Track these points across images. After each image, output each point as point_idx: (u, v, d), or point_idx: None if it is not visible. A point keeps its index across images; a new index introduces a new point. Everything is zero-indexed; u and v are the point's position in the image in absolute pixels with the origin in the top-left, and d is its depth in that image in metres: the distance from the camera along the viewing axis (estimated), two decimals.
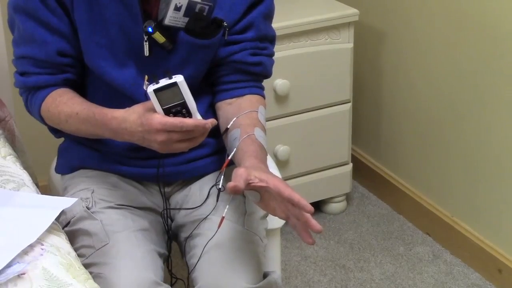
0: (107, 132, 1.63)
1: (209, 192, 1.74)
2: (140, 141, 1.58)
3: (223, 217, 1.56)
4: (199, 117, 1.54)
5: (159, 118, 1.51)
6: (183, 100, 1.51)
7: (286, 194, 1.45)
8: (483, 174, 2.50)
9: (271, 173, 1.51)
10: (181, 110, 1.52)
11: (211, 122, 1.54)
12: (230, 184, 1.43)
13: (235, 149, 1.62)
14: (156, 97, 1.50)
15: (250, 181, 1.46)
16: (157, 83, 1.50)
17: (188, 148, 1.57)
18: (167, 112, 1.52)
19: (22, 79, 1.72)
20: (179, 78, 1.50)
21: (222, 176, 1.63)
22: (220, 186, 1.64)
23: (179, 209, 1.77)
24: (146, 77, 1.59)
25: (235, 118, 1.68)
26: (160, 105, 1.51)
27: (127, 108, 1.58)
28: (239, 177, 1.45)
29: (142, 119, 1.54)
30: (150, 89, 1.50)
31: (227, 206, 1.58)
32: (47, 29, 1.66)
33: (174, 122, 1.51)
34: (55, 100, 1.69)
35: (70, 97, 1.69)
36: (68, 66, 1.71)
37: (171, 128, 1.51)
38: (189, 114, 1.53)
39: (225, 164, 1.62)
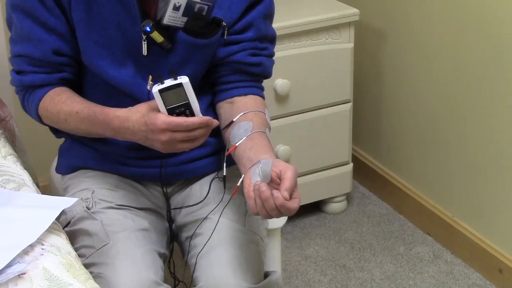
0: (108, 131, 1.63)
1: (210, 183, 1.74)
2: (143, 140, 1.58)
3: (237, 186, 1.56)
4: (201, 116, 1.54)
5: (164, 117, 1.51)
6: (187, 101, 1.52)
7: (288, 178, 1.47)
8: (484, 174, 2.50)
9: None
10: (185, 110, 1.52)
11: (214, 122, 1.55)
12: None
13: (244, 138, 1.62)
14: (161, 97, 1.51)
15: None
16: (162, 83, 1.51)
17: (190, 148, 1.57)
18: (171, 112, 1.52)
19: (18, 77, 1.72)
20: (184, 79, 1.51)
21: (225, 164, 1.63)
22: (224, 174, 1.63)
23: (182, 207, 1.77)
24: (151, 77, 1.59)
25: (242, 113, 1.68)
26: (165, 105, 1.51)
27: (129, 108, 1.59)
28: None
29: (146, 118, 1.54)
30: (155, 89, 1.51)
31: (243, 176, 1.56)
32: (44, 28, 1.66)
33: (179, 121, 1.51)
34: (53, 99, 1.69)
35: (69, 96, 1.69)
36: (65, 65, 1.71)
37: (175, 127, 1.51)
38: (192, 115, 1.53)
39: (230, 150, 1.62)
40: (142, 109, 1.56)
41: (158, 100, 1.51)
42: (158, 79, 1.51)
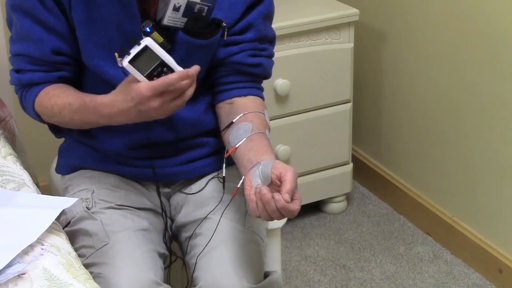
0: (101, 119, 1.61)
1: (207, 182, 1.74)
2: (137, 116, 1.56)
3: (238, 188, 1.56)
4: (180, 69, 1.52)
5: (145, 85, 1.50)
6: (160, 60, 1.51)
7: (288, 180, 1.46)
8: (484, 174, 2.50)
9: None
10: (162, 69, 1.51)
11: (194, 68, 1.53)
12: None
13: (244, 139, 1.61)
14: (134, 67, 1.50)
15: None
16: (129, 54, 1.50)
17: (184, 104, 1.55)
18: (150, 77, 1.51)
19: (17, 76, 1.72)
20: (147, 41, 1.50)
21: (224, 165, 1.63)
22: (223, 175, 1.63)
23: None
24: (117, 54, 1.57)
25: (241, 114, 1.67)
26: (141, 73, 1.51)
27: (111, 92, 1.57)
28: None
29: (131, 93, 1.52)
30: (126, 62, 1.49)
31: (243, 177, 1.56)
32: (43, 28, 1.66)
33: (161, 83, 1.49)
34: (48, 94, 1.69)
35: (63, 90, 1.69)
36: (63, 64, 1.71)
37: (160, 89, 1.50)
38: (170, 70, 1.51)
39: (230, 152, 1.62)
40: (122, 87, 1.55)
41: (133, 71, 1.50)
42: (124, 53, 1.50)
